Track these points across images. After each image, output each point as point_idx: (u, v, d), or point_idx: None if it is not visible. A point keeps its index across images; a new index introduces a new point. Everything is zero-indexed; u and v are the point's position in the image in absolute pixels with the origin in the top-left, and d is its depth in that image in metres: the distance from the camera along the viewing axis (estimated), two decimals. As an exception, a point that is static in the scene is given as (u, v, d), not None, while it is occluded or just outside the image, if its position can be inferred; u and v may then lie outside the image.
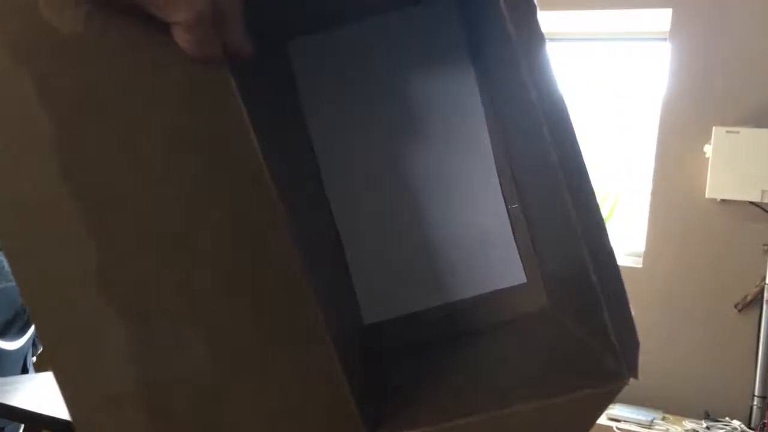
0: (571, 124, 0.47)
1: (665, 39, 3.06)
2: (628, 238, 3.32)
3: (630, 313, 0.50)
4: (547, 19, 3.28)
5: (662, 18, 3.06)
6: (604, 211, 3.38)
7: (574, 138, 0.47)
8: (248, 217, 0.41)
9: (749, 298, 2.88)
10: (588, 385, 0.49)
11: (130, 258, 0.38)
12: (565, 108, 0.46)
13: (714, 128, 2.85)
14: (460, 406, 0.49)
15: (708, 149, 2.88)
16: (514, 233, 0.68)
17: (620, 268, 0.46)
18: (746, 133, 2.82)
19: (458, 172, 0.67)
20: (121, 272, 0.38)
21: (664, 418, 2.88)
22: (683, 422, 2.83)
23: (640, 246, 3.15)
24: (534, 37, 0.47)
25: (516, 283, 0.67)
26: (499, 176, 0.67)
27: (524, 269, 0.67)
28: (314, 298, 0.42)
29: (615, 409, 2.85)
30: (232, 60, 0.44)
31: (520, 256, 0.68)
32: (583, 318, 0.56)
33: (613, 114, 3.45)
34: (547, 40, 0.49)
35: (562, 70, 3.39)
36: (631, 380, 0.50)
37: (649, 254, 3.10)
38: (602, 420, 2.80)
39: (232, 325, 0.41)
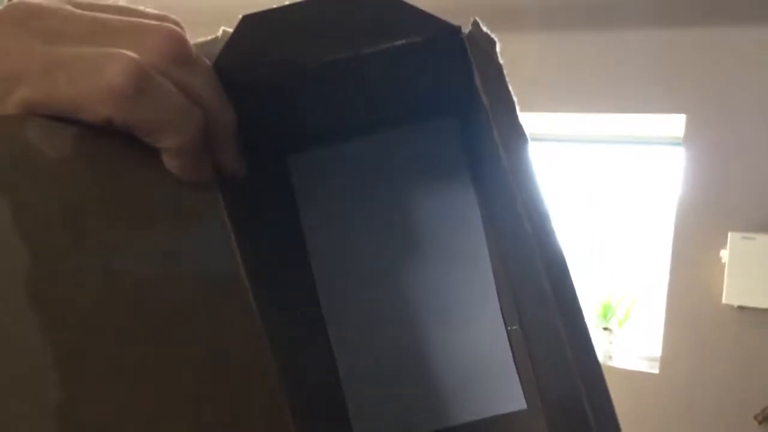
0: (560, 249, 0.45)
1: (679, 144, 3.08)
2: (645, 342, 3.25)
3: None
4: (561, 121, 3.33)
5: (677, 123, 3.09)
6: (621, 313, 3.32)
7: (564, 264, 0.45)
8: (229, 354, 0.40)
9: (769, 409, 2.79)
10: None
11: (98, 395, 0.36)
12: (552, 227, 0.45)
13: (729, 234, 2.83)
14: None
15: (724, 254, 2.85)
16: (513, 356, 0.65)
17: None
18: (762, 239, 2.80)
19: (457, 292, 0.65)
20: (89, 411, 0.36)
21: None
22: None
23: (656, 351, 3.08)
24: (516, 138, 0.46)
25: (515, 410, 0.64)
26: (498, 296, 0.65)
27: (524, 394, 0.64)
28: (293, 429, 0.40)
29: None
30: (224, 179, 0.43)
31: (520, 380, 0.65)
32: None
33: (628, 217, 3.44)
34: (534, 142, 0.49)
35: (570, 171, 3.44)
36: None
37: (666, 360, 3.02)
38: None
39: None
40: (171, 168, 0.39)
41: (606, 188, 3.47)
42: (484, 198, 0.66)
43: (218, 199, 0.42)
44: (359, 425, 0.64)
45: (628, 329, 3.32)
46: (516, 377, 0.64)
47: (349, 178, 0.65)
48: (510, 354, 0.64)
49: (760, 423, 2.81)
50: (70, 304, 0.35)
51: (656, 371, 3.03)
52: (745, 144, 2.93)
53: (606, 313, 3.29)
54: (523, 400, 0.64)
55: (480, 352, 0.64)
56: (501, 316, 0.65)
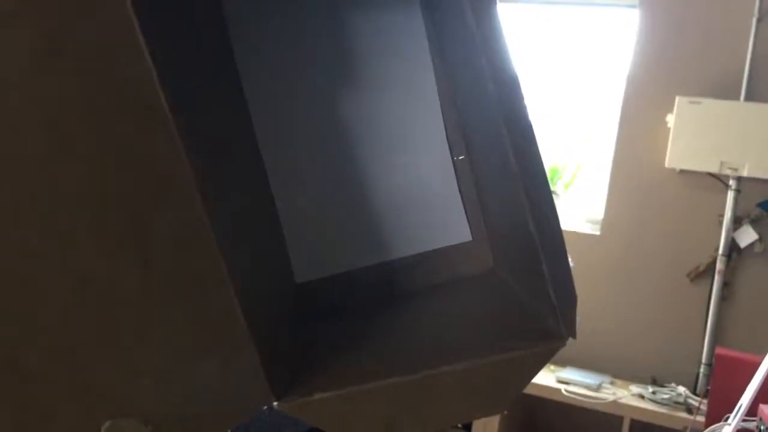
0: (510, 59, 0.43)
1: (635, 6, 3.04)
2: (589, 205, 3.33)
3: (568, 267, 0.48)
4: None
5: (633, -16, 3.03)
6: (566, 178, 3.38)
7: (519, 95, 0.44)
8: (134, 149, 0.36)
9: (701, 268, 2.92)
10: (522, 346, 0.47)
11: None
12: (505, 42, 0.43)
13: (677, 98, 2.85)
14: (382, 368, 0.46)
15: (670, 119, 2.89)
16: (459, 187, 0.64)
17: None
18: (708, 104, 2.83)
19: (401, 118, 0.62)
20: None
21: (611, 382, 2.93)
22: (630, 387, 2.89)
23: (599, 214, 3.17)
24: None
25: (460, 241, 0.63)
26: (445, 125, 0.63)
27: (470, 227, 0.63)
28: (214, 244, 0.37)
29: (564, 372, 2.89)
30: None
31: (466, 212, 0.64)
32: (525, 276, 0.53)
33: (580, 80, 3.42)
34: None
35: (524, 32, 3.37)
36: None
37: (607, 222, 3.11)
38: (551, 382, 2.84)
39: (106, 271, 0.35)
40: None
41: (558, 50, 3.43)
42: (434, 25, 0.62)
43: None
44: (298, 260, 0.63)
45: (573, 193, 3.39)
46: (461, 209, 0.63)
47: None
48: (455, 185, 0.63)
49: (692, 280, 2.95)
50: None
51: (598, 233, 3.13)
52: (699, 8, 2.91)
53: (552, 176, 3.34)
54: (468, 232, 0.63)
55: (424, 184, 0.62)
56: (447, 146, 0.62)
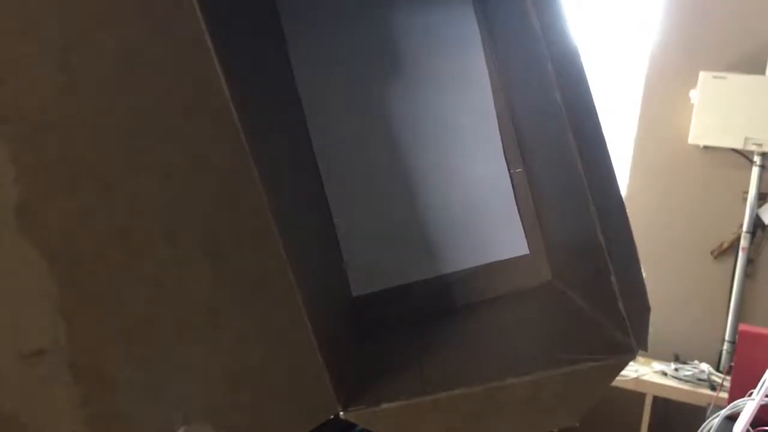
0: (579, 59, 0.43)
1: (658, -21, 3.00)
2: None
3: (641, 276, 0.48)
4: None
5: (657, -43, 2.98)
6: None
7: (582, 75, 0.43)
8: (207, 159, 0.37)
9: (725, 245, 2.91)
10: (590, 358, 0.47)
11: (59, 196, 0.34)
12: (573, 41, 0.43)
13: (701, 73, 2.81)
14: (447, 380, 0.47)
15: (694, 94, 2.85)
16: (516, 199, 0.64)
17: None
18: (733, 79, 2.79)
19: (457, 127, 0.62)
20: (48, 211, 0.34)
21: (634, 359, 2.93)
22: (652, 364, 2.89)
23: (622, 190, 3.15)
24: None
25: (517, 255, 0.63)
26: (500, 133, 0.62)
27: (527, 239, 0.64)
28: (283, 254, 0.38)
29: (588, 350, 2.89)
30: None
31: (523, 224, 0.64)
32: (589, 289, 0.53)
33: (601, 55, 3.38)
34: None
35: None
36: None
37: (630, 199, 3.10)
38: (575, 361, 2.84)
39: (179, 278, 0.37)
40: None
41: (582, 26, 3.38)
42: (485, 20, 0.61)
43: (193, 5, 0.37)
44: (355, 273, 0.63)
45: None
46: (518, 221, 0.63)
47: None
48: (512, 197, 0.63)
49: (716, 258, 2.94)
50: (22, 94, 0.32)
51: (620, 209, 3.12)
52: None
53: (574, 153, 3.31)
54: (526, 245, 0.63)
55: (480, 197, 0.62)
56: (503, 156, 0.62)
